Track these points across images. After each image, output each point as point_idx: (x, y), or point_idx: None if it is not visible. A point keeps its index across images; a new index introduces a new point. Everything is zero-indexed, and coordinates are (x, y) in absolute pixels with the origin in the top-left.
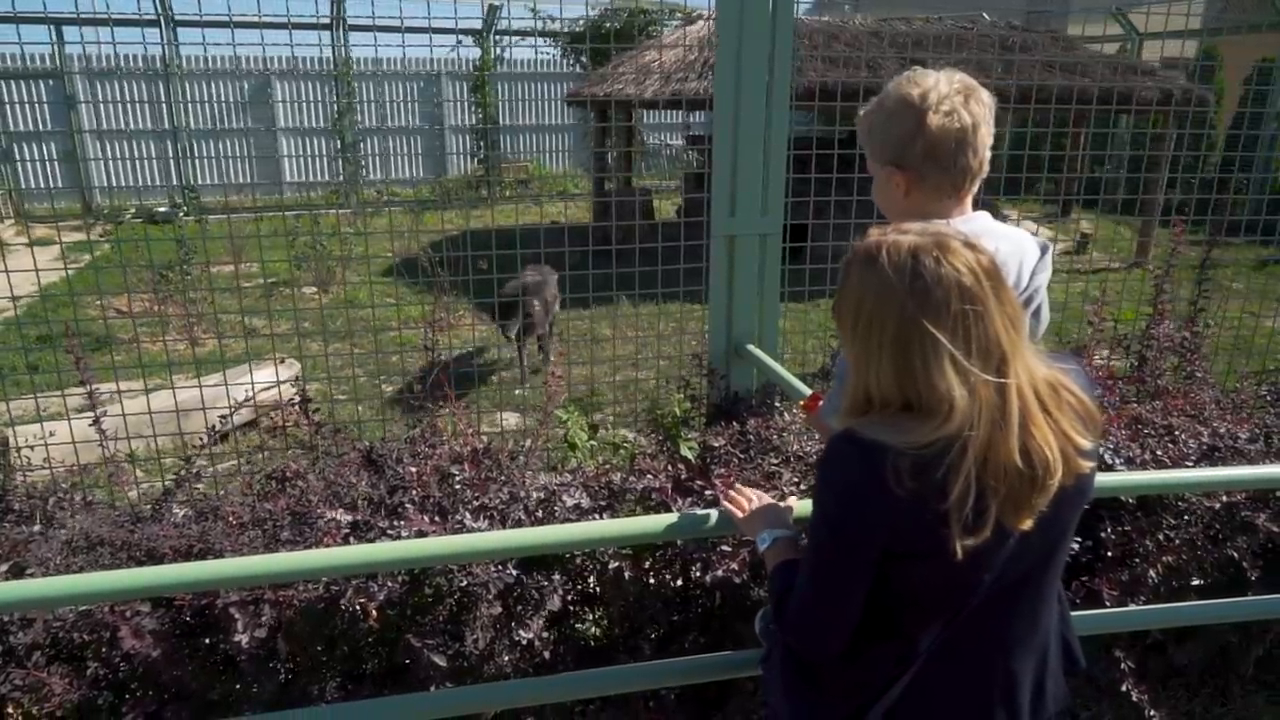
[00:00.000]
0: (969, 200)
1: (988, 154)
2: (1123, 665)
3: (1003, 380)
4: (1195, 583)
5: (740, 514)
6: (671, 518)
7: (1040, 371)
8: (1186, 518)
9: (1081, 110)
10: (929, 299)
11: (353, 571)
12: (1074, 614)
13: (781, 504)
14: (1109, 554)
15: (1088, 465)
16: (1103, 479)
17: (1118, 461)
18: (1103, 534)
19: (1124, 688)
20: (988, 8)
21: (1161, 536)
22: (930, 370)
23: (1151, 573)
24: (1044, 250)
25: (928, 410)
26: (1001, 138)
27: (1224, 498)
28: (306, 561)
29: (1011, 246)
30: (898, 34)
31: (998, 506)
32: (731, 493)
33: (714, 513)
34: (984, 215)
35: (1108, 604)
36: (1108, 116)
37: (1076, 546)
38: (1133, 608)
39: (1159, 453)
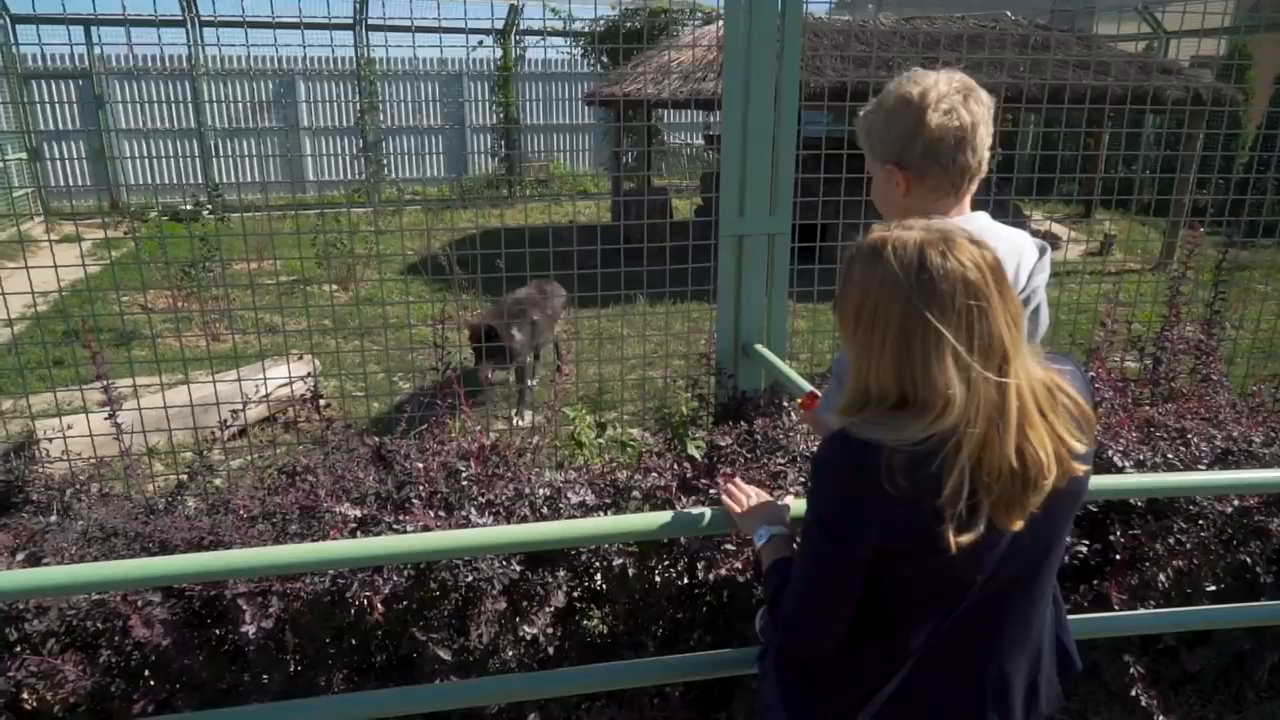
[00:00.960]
0: (967, 200)
1: (986, 154)
2: (1132, 670)
3: (1003, 380)
4: (1209, 588)
5: (738, 510)
6: (667, 515)
7: (1037, 373)
8: (1201, 522)
9: (1105, 109)
10: (934, 292)
11: (357, 564)
12: (1081, 617)
13: (779, 502)
14: (1117, 557)
15: (1081, 468)
16: (1111, 481)
17: (1127, 464)
18: (1111, 537)
19: (1133, 692)
20: (1012, 6)
21: (1172, 540)
22: (930, 364)
23: (1161, 577)
24: (1042, 251)
25: (923, 405)
26: (1024, 138)
27: (1235, 502)
28: (312, 554)
29: (1009, 247)
30: (918, 33)
31: (989, 505)
32: (730, 488)
33: (710, 510)
34: (983, 215)
35: (1116, 608)
36: (1132, 116)
37: (1085, 549)
38: (1140, 611)
39: (1170, 456)
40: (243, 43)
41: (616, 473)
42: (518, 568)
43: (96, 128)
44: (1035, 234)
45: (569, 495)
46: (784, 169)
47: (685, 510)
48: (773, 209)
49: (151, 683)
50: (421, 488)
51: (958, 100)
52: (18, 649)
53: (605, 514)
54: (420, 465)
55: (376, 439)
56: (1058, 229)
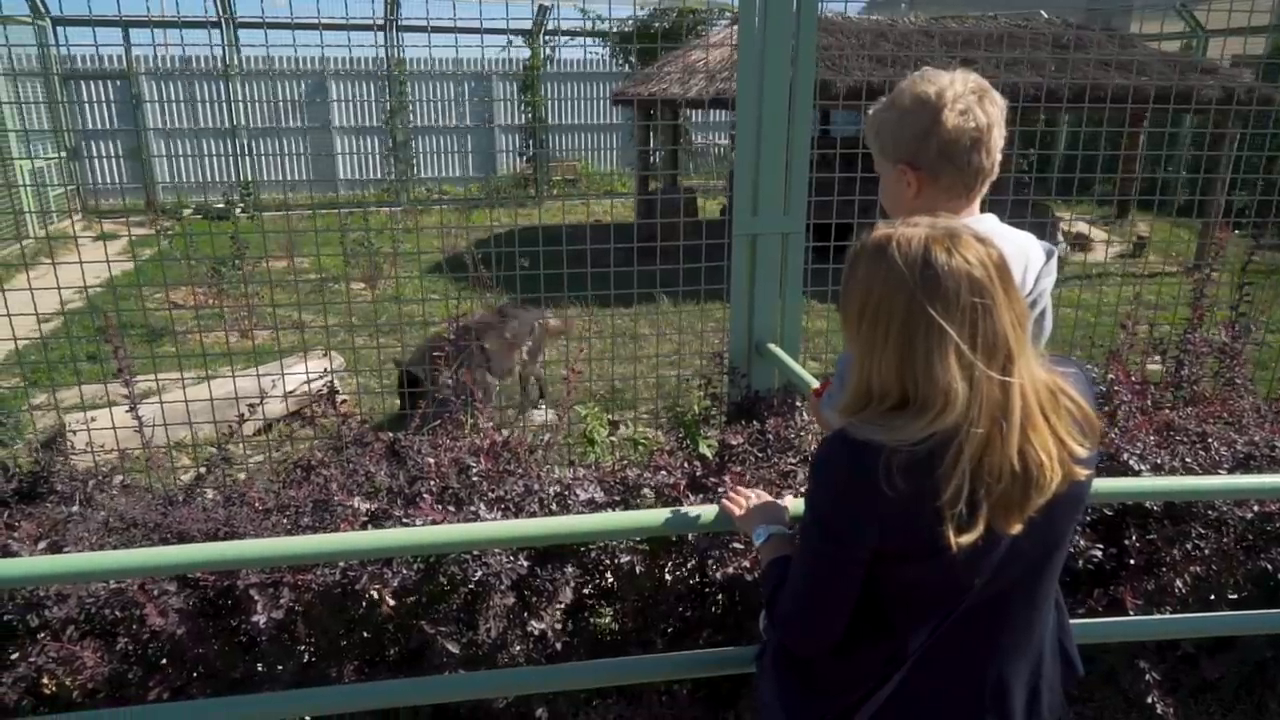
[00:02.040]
0: (977, 202)
1: (999, 156)
2: (1148, 676)
3: (1008, 379)
4: (1231, 596)
5: (738, 510)
6: (666, 512)
7: (1040, 375)
8: (1223, 527)
9: (1140, 110)
10: (938, 288)
11: (366, 556)
12: (1094, 621)
13: (779, 502)
14: (1133, 562)
15: (1084, 473)
16: (1126, 484)
17: (1144, 468)
18: (1127, 541)
19: (1149, 699)
20: (1046, 5)
21: (1190, 546)
22: (933, 361)
23: (1179, 582)
24: (1050, 255)
25: (923, 403)
26: (1056, 137)
27: (1256, 507)
28: (323, 545)
29: (1015, 250)
30: (948, 32)
31: (989, 507)
32: (731, 493)
33: (710, 509)
34: (991, 218)
35: (1131, 613)
36: (1167, 116)
37: (1099, 554)
38: (1155, 616)
39: (1189, 460)
40: (274, 43)
41: (626, 470)
42: (525, 563)
43: (134, 127)
44: (1065, 235)
45: (578, 492)
46: (798, 168)
47: (687, 507)
48: (786, 209)
49: (169, 670)
50: (432, 483)
51: (973, 101)
52: (39, 635)
53: (613, 511)
54: (432, 460)
55: (391, 434)
56: (1081, 227)
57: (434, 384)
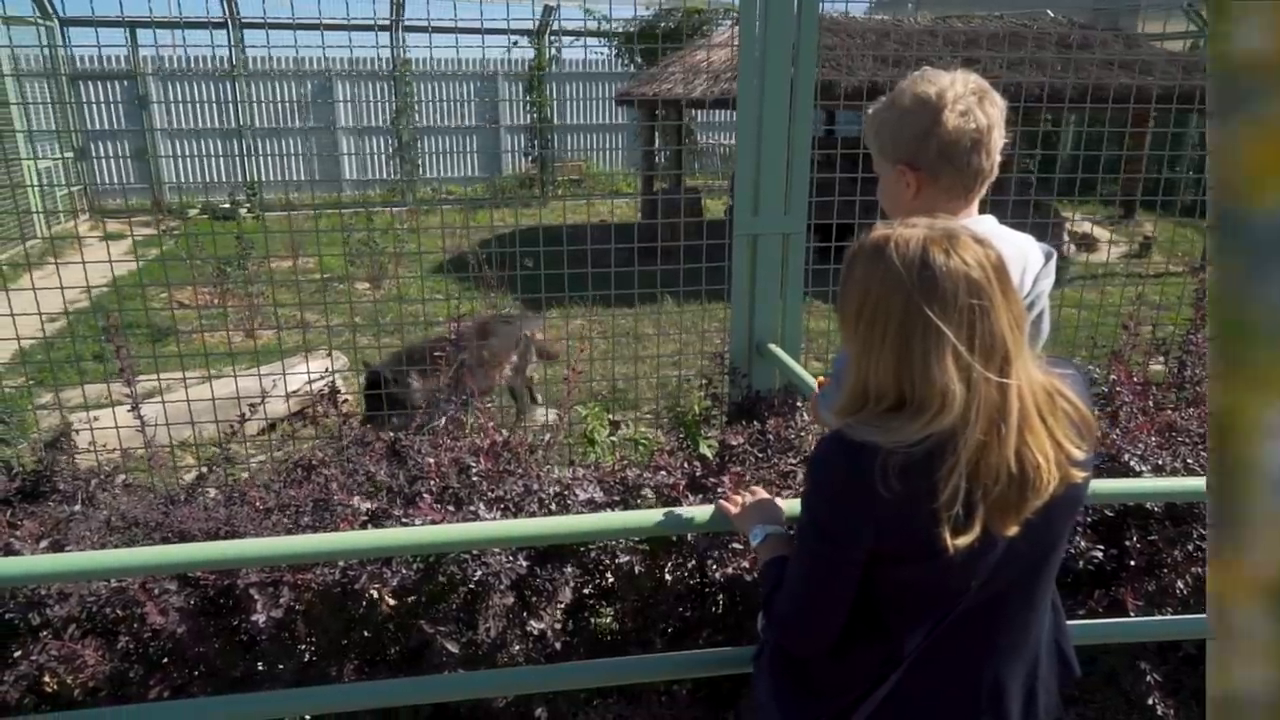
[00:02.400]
0: (976, 203)
1: (999, 157)
2: (1148, 678)
3: (1005, 380)
4: None
5: (734, 510)
6: (659, 513)
7: (1038, 376)
8: None
9: (1145, 110)
10: (936, 290)
11: (364, 555)
12: (1093, 622)
13: (776, 500)
14: (1133, 563)
15: (1080, 475)
16: (1127, 485)
17: (1145, 469)
18: (1128, 542)
19: (1150, 701)
20: (1051, 5)
21: (1191, 547)
22: (930, 362)
23: (1180, 583)
24: (1048, 256)
25: (920, 405)
26: (1061, 138)
27: None
28: (322, 544)
29: (1014, 251)
30: (953, 32)
31: (985, 509)
32: (729, 492)
33: (708, 508)
34: (990, 219)
35: (1132, 614)
36: (1175, 116)
37: (1100, 555)
38: (1156, 618)
39: (1190, 461)
40: (278, 44)
41: (626, 470)
42: (525, 563)
43: (140, 127)
44: (1070, 235)
45: (578, 492)
46: (799, 168)
47: (685, 507)
48: (787, 209)
49: (169, 669)
50: (432, 483)
51: (973, 102)
52: (40, 634)
53: (613, 511)
54: (432, 460)
55: (391, 434)
56: (1086, 227)
57: (401, 387)
